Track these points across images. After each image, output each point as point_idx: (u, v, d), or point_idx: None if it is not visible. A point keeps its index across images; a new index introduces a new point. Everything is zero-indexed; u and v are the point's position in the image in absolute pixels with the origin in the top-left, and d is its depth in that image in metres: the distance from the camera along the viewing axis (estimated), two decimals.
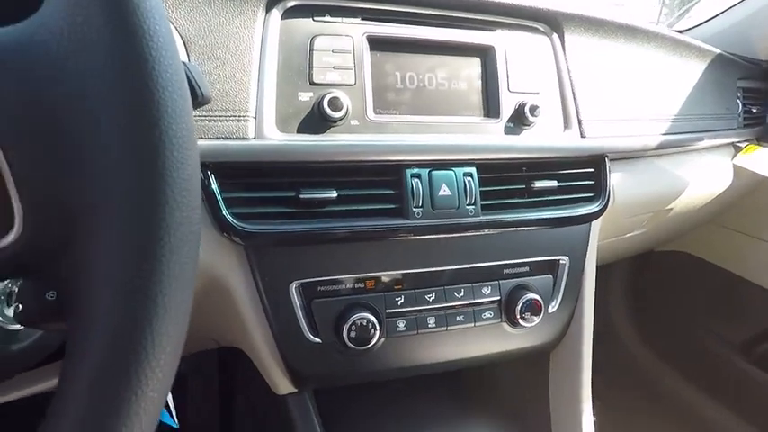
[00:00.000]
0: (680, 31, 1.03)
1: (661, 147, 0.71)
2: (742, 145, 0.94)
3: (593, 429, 0.66)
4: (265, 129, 0.47)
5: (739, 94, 0.91)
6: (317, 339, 0.50)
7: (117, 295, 0.19)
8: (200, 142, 0.45)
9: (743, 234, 1.05)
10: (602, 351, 1.28)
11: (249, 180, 0.48)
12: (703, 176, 0.84)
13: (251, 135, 0.47)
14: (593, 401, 1.10)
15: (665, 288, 1.26)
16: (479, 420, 0.70)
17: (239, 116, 0.47)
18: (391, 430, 0.64)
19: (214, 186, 0.46)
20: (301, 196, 0.47)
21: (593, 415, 1.14)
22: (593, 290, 0.64)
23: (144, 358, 0.19)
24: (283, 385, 0.54)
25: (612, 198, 0.66)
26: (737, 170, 0.90)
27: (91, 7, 0.19)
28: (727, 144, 0.91)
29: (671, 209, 0.82)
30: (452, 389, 0.69)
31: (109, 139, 0.19)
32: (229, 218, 0.46)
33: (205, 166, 0.46)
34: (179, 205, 0.20)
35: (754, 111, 0.94)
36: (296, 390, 0.54)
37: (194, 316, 0.48)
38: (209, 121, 0.46)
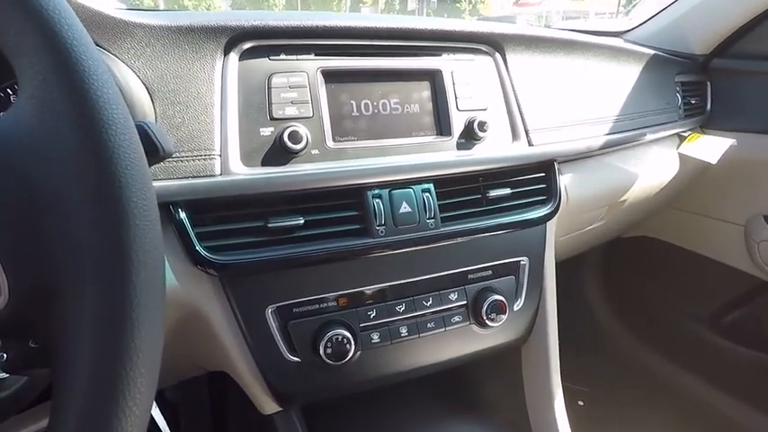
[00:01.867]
0: (622, 32, 1.10)
1: (606, 146, 0.77)
2: (686, 134, 1.00)
3: (565, 413, 0.70)
4: (231, 164, 0.50)
5: (678, 88, 0.97)
6: (296, 358, 0.53)
7: (95, 346, 0.22)
8: (170, 182, 0.48)
9: (695, 214, 1.12)
10: (580, 332, 1.35)
11: (219, 214, 0.51)
12: (652, 167, 0.90)
13: (217, 172, 0.50)
14: (580, 388, 1.15)
15: (633, 270, 1.33)
16: (463, 418, 0.73)
17: (205, 155, 0.50)
18: None
19: (186, 222, 0.48)
20: (270, 225, 0.50)
21: (581, 401, 1.18)
22: (555, 285, 0.69)
23: (122, 399, 0.22)
24: (268, 405, 0.56)
25: (566, 198, 0.71)
26: (683, 158, 0.96)
27: (59, 109, 0.22)
28: (672, 135, 0.97)
29: (624, 200, 0.87)
30: (433, 391, 0.72)
31: (78, 220, 0.22)
32: (203, 252, 0.49)
33: (176, 204, 0.49)
34: (144, 266, 0.23)
35: (693, 102, 1.01)
36: (281, 408, 0.57)
37: (178, 345, 0.50)
38: (177, 161, 0.48)
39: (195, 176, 0.49)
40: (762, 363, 1.09)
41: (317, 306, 0.54)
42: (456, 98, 0.61)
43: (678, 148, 0.98)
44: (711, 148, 0.98)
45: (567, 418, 0.71)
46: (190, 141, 0.49)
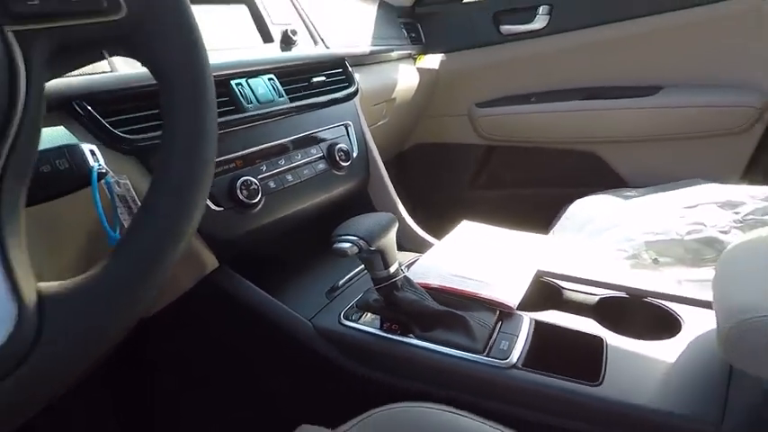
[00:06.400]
0: None
1: (372, 56, 1.10)
2: (415, 57, 1.44)
3: None
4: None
5: (402, 26, 1.38)
6: (220, 208, 0.67)
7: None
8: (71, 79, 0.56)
9: (442, 116, 1.58)
10: None
11: (119, 106, 0.61)
12: (403, 75, 1.29)
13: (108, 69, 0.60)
14: None
15: (423, 173, 1.71)
16: None
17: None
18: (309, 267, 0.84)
19: (96, 114, 0.58)
20: None
21: None
22: (374, 142, 0.98)
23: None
24: (209, 260, 0.69)
25: (360, 89, 1.00)
26: (419, 71, 1.38)
27: None
28: (408, 57, 1.38)
29: (394, 98, 1.23)
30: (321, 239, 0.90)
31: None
32: (121, 134, 0.59)
33: (81, 99, 0.57)
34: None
35: (413, 35, 1.44)
36: (218, 264, 0.70)
37: None
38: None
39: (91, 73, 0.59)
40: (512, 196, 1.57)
41: (223, 168, 0.69)
42: (269, 15, 0.83)
43: (415, 65, 1.40)
44: (431, 63, 1.44)
45: None
46: None
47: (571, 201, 1.17)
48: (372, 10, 1.23)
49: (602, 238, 0.87)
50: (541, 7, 1.36)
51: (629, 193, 1.13)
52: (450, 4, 1.50)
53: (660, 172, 1.22)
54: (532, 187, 1.54)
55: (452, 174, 1.63)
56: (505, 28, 1.43)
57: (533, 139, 1.47)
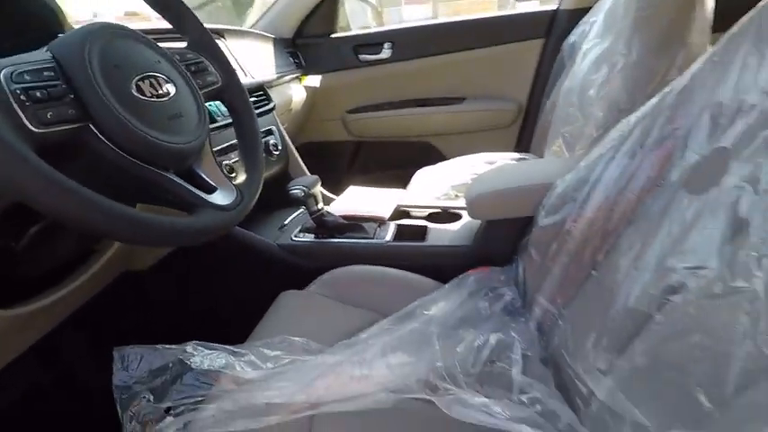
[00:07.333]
0: (253, 25, 1.93)
1: (275, 80, 1.60)
2: (300, 78, 1.96)
3: None
4: None
5: (288, 55, 1.89)
6: None
7: None
8: None
9: (325, 120, 2.12)
10: None
11: None
12: (296, 92, 1.80)
13: None
14: None
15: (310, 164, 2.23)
16: None
17: None
18: None
19: None
20: None
21: None
22: (294, 147, 1.48)
23: None
24: None
25: (274, 103, 1.49)
26: (305, 88, 1.91)
27: None
28: (295, 78, 1.90)
29: (291, 109, 1.74)
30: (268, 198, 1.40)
31: None
32: None
33: None
34: None
35: (297, 61, 1.96)
36: None
37: None
38: None
39: None
40: None
41: None
42: None
43: (301, 84, 1.92)
44: (312, 82, 1.98)
45: None
46: None
47: (416, 172, 1.80)
48: (269, 45, 1.72)
49: (433, 188, 1.50)
50: (386, 43, 1.99)
51: (447, 164, 1.80)
52: (322, 38, 2.05)
53: (466, 151, 1.92)
54: (391, 169, 2.17)
55: (333, 163, 2.19)
56: (363, 57, 2.02)
57: (388, 135, 2.10)
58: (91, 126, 0.50)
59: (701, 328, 0.52)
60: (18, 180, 0.40)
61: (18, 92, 0.44)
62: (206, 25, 0.78)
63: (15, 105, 0.43)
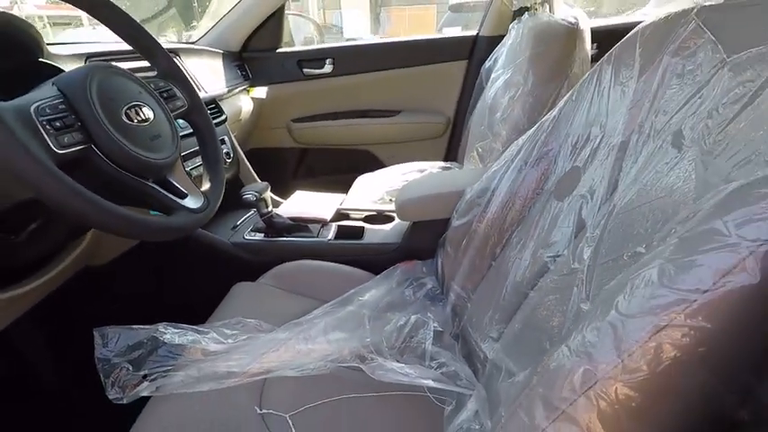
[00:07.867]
0: (196, 40, 2.03)
1: (227, 91, 1.72)
2: (249, 89, 2.09)
3: None
4: None
5: (236, 68, 2.01)
6: None
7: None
8: None
9: (270, 128, 2.24)
10: None
11: None
12: (244, 103, 1.92)
13: None
14: None
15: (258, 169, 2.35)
16: None
17: None
18: None
19: None
20: None
21: None
22: (247, 164, 1.60)
23: None
24: None
25: (227, 115, 1.61)
26: (252, 99, 2.03)
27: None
28: (243, 91, 2.02)
29: (240, 119, 1.86)
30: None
31: None
32: None
33: None
34: None
35: (244, 73, 2.07)
36: None
37: None
38: None
39: None
40: None
41: None
42: None
43: (249, 95, 2.05)
44: (259, 93, 2.11)
45: None
46: None
47: (357, 177, 1.98)
48: (219, 60, 1.84)
49: (370, 193, 1.68)
50: (328, 59, 2.15)
51: (384, 171, 2.00)
52: (268, 52, 2.18)
53: (403, 159, 2.11)
54: (333, 174, 2.33)
55: (281, 168, 2.32)
56: (306, 70, 2.17)
57: (331, 143, 2.26)
58: (93, 147, 0.64)
59: (554, 297, 0.74)
60: (44, 185, 0.54)
61: (44, 123, 0.57)
62: (164, 45, 0.91)
63: (43, 132, 0.56)
